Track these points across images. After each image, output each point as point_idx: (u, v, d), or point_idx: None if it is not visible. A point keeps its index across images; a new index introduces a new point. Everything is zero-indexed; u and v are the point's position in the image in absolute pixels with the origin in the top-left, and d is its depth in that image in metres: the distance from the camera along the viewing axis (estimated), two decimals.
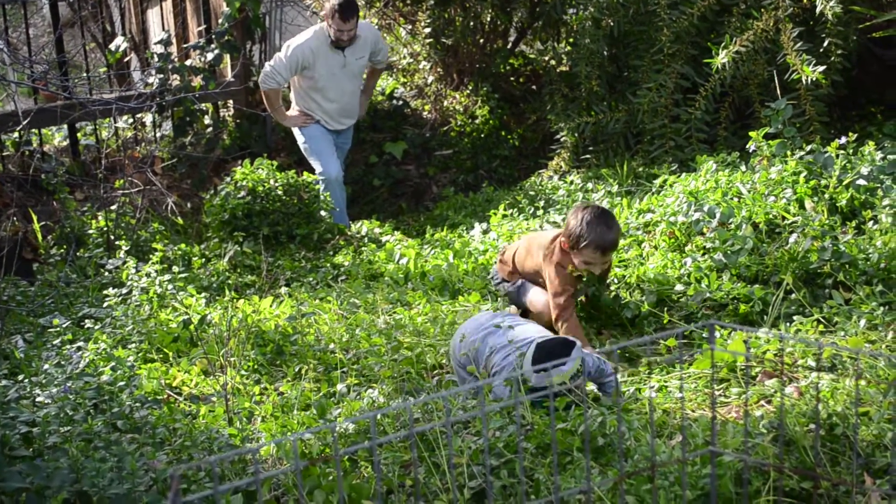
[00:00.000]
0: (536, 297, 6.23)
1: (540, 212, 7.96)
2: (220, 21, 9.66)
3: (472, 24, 10.19)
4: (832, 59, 8.08)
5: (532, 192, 8.60)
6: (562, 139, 9.17)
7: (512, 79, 10.78)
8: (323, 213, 8.20)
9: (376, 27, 9.57)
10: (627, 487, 3.62)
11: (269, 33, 9.88)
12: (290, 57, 8.70)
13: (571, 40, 9.87)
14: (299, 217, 8.03)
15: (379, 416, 4.55)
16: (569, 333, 5.54)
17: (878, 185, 5.98)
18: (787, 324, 5.20)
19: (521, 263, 6.40)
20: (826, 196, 5.93)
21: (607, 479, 3.65)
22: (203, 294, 6.61)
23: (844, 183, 5.95)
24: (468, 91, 10.44)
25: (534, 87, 10.70)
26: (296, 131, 9.09)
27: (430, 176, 10.09)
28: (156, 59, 9.26)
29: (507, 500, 3.81)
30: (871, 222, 5.69)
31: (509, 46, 10.79)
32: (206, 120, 9.80)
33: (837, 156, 6.16)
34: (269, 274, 7.36)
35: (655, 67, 8.49)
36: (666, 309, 5.73)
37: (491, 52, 10.49)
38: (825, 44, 8.11)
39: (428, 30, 10.11)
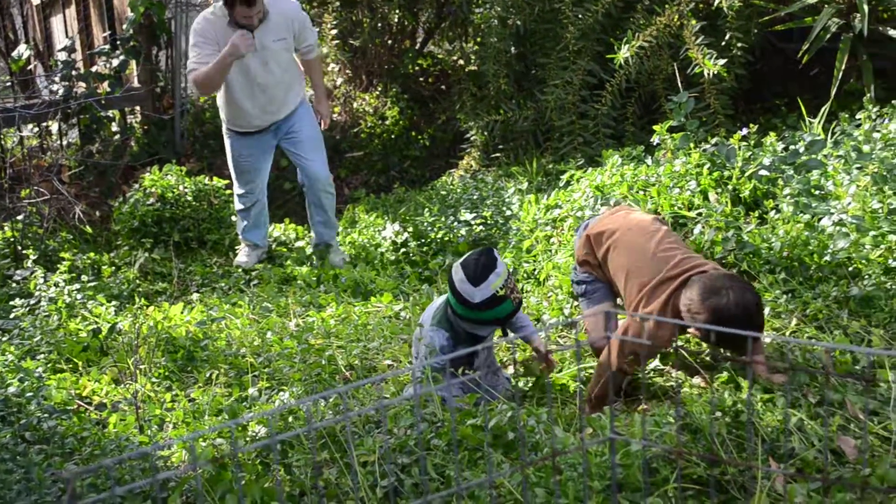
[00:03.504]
0: (593, 326, 5.14)
1: (450, 210, 7.98)
2: (124, 26, 9.56)
3: (379, 25, 10.21)
4: (734, 52, 8.21)
5: (443, 192, 8.62)
6: (472, 138, 9.21)
7: (421, 79, 10.81)
8: (234, 217, 8.16)
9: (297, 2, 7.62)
10: (536, 480, 3.64)
11: (175, 38, 9.79)
12: (196, 39, 7.13)
13: (479, 39, 9.91)
14: (210, 222, 7.99)
15: (291, 420, 4.52)
16: (596, 393, 4.76)
17: (780, 175, 6.08)
18: None
19: (612, 274, 4.99)
20: (729, 187, 6.01)
21: (508, 470, 3.67)
22: (113, 302, 6.54)
23: (747, 174, 6.03)
24: (377, 92, 10.45)
25: (443, 86, 10.74)
26: (226, 141, 7.67)
27: (341, 178, 10.07)
28: (60, 65, 9.13)
29: (420, 498, 3.82)
30: (774, 212, 5.78)
31: (417, 47, 10.82)
32: (114, 127, 9.70)
33: (740, 147, 6.24)
34: (180, 280, 7.31)
35: (562, 65, 8.56)
36: (574, 304, 5.78)
37: (399, 53, 10.51)
38: (727, 38, 8.23)
39: (335, 31, 10.09)
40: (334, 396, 4.82)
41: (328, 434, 4.21)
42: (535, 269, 6.20)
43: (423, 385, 4.68)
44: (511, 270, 4.86)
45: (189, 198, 7.92)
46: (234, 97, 7.32)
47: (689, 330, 4.46)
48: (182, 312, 6.15)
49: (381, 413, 4.25)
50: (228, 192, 8.26)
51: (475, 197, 8.16)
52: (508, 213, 7.61)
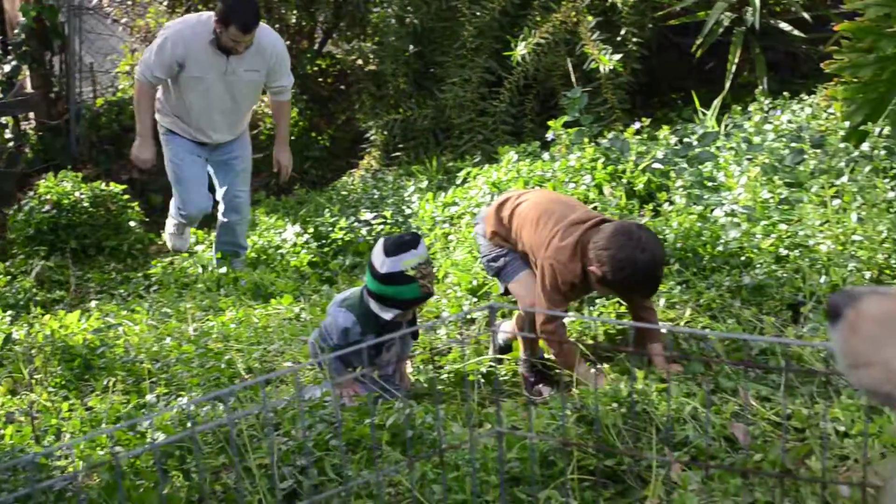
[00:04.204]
0: (525, 291, 4.88)
1: (351, 210, 7.98)
2: (15, 31, 9.42)
3: (276, 26, 10.14)
4: (629, 47, 8.30)
5: (344, 192, 8.60)
6: (372, 138, 9.21)
7: (320, 80, 10.79)
8: (132, 223, 8.06)
9: (281, 39, 7.36)
10: (435, 476, 3.65)
11: (69, 42, 9.66)
12: (160, 47, 6.89)
13: (377, 39, 9.90)
14: (108, 229, 7.89)
15: (189, 425, 4.48)
16: (564, 362, 4.66)
17: (673, 167, 6.16)
18: (590, 307, 5.31)
19: (518, 229, 4.87)
20: (623, 181, 6.07)
21: (397, 467, 3.67)
22: (9, 312, 6.44)
23: (641, 167, 6.10)
24: None
25: (342, 86, 10.72)
26: (163, 144, 7.32)
27: None
28: None
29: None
30: (667, 204, 5.86)
31: (316, 47, 10.78)
32: (7, 133, 9.54)
33: (634, 141, 6.32)
34: (78, 288, 7.21)
35: (460, 62, 8.59)
36: (473, 300, 5.80)
37: (297, 54, 10.45)
38: (622, 33, 8.32)
39: None
40: (233, 400, 4.79)
41: (226, 438, 4.18)
42: (433, 267, 6.22)
43: (321, 384, 4.66)
44: (432, 262, 4.85)
45: (85, 204, 7.81)
46: (185, 109, 7.09)
47: (590, 268, 4.46)
48: (79, 320, 6.06)
49: (289, 422, 4.23)
50: (126, 197, 8.17)
51: (376, 196, 8.15)
52: (409, 211, 7.62)
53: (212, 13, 6.89)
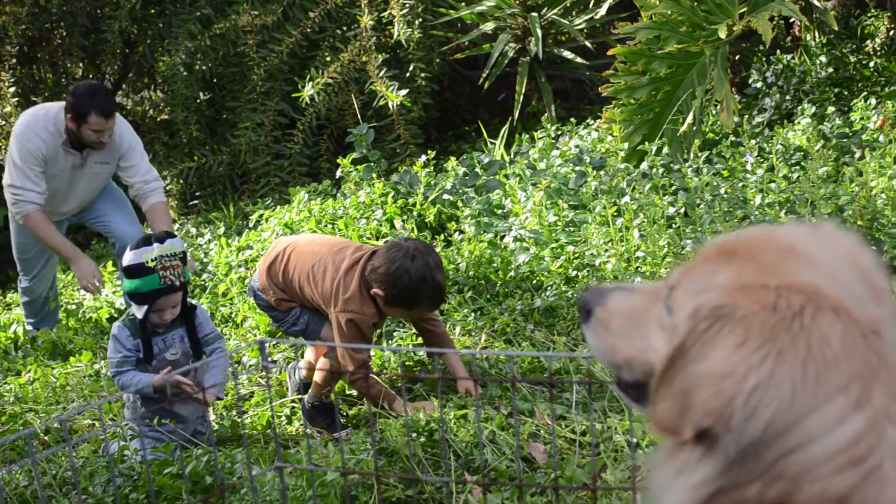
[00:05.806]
0: (344, 354, 4.68)
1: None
2: None
3: (63, 80, 9.97)
4: (419, 83, 8.41)
5: None
6: (167, 188, 9.10)
7: None
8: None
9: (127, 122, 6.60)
10: None
11: None
12: (24, 162, 6.17)
13: (167, 88, 9.82)
14: None
15: None
16: (373, 399, 4.63)
17: (461, 197, 6.26)
18: (388, 339, 5.34)
19: (300, 288, 4.82)
20: (414, 213, 6.15)
21: None
22: None
23: (430, 199, 6.18)
24: None
25: None
26: (13, 225, 6.70)
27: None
28: None
29: None
30: (458, 233, 5.94)
31: None
32: None
33: (423, 174, 6.40)
34: None
35: (251, 107, 8.59)
36: (273, 343, 5.77)
37: None
38: (411, 69, 8.43)
39: (13, 89, 9.75)
40: (29, 462, 4.67)
41: (21, 502, 4.09)
42: (232, 312, 6.18)
43: (118, 438, 4.59)
44: (187, 255, 4.79)
45: None
46: None
47: (373, 291, 4.49)
48: None
49: (86, 478, 4.15)
50: None
51: None
52: (206, 259, 7.55)
53: (47, 106, 6.38)
